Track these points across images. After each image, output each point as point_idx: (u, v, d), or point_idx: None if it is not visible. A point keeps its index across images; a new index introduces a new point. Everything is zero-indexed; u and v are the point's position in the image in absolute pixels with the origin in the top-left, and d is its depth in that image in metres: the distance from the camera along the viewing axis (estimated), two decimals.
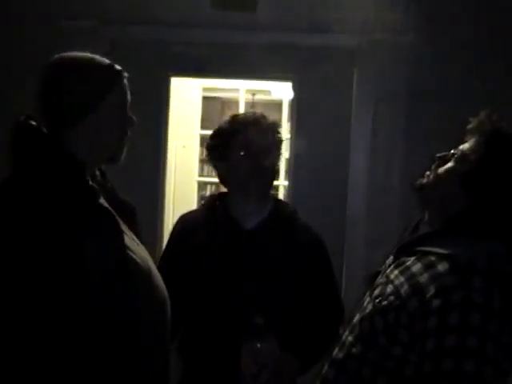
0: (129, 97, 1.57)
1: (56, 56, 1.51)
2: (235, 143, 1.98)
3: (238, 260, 1.95)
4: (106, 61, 1.54)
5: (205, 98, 4.67)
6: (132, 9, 2.95)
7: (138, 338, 1.44)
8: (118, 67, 1.54)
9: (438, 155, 1.59)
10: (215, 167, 2.09)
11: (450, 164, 1.55)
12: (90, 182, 1.50)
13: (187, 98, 4.06)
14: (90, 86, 1.47)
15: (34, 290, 1.33)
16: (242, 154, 1.96)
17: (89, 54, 1.53)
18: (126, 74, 1.56)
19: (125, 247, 1.45)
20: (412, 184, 1.61)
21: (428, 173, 1.59)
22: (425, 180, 1.59)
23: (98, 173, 1.62)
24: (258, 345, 1.75)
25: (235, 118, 2.04)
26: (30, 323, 1.33)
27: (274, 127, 2.04)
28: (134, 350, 1.43)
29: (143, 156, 3.09)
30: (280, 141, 2.05)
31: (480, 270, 1.38)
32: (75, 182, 1.43)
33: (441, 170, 1.56)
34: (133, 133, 3.03)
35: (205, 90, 4.62)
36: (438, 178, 1.56)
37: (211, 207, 2.08)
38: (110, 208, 1.48)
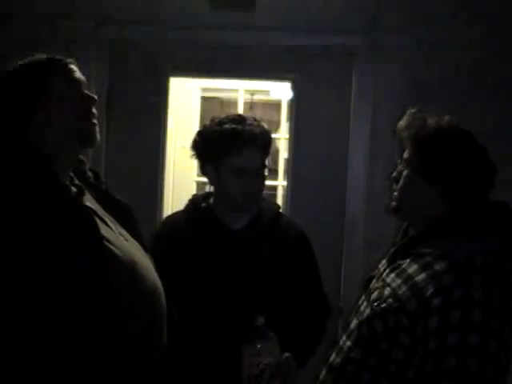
0: (80, 78, 1.58)
1: None
2: (228, 162, 1.94)
3: (229, 261, 1.95)
4: (45, 56, 1.57)
5: (204, 98, 4.66)
6: (131, 9, 2.94)
7: (117, 329, 1.44)
8: (57, 58, 1.57)
9: (393, 175, 1.62)
10: (201, 165, 2.07)
11: (405, 172, 1.57)
12: (75, 180, 1.52)
13: (186, 99, 4.05)
14: (29, 85, 1.52)
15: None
16: (234, 176, 1.94)
17: (29, 58, 1.57)
18: (69, 61, 1.58)
19: (98, 239, 1.46)
20: (387, 210, 1.63)
21: (395, 194, 1.60)
22: (394, 202, 1.60)
23: (90, 174, 1.64)
24: (259, 345, 1.75)
25: (232, 132, 1.93)
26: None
27: (269, 143, 2.00)
28: (113, 338, 1.44)
29: (142, 156, 3.09)
30: (270, 147, 2.02)
31: (477, 268, 1.39)
32: (41, 178, 1.46)
33: (401, 182, 1.58)
34: (132, 133, 3.04)
35: (204, 90, 4.60)
36: (404, 189, 1.57)
37: (197, 209, 2.07)
38: (82, 201, 1.52)
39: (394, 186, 1.61)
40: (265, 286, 1.95)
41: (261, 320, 1.75)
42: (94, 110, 1.58)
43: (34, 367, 1.37)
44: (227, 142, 1.92)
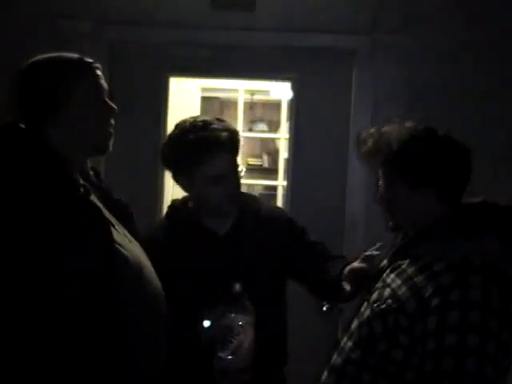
0: (105, 86, 1.58)
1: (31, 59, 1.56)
2: (200, 172, 1.88)
3: (222, 267, 1.91)
4: (74, 56, 1.56)
5: (204, 98, 4.66)
6: (131, 9, 2.95)
7: (124, 331, 1.45)
8: (86, 60, 1.56)
9: (378, 196, 1.61)
10: (173, 176, 1.99)
11: (390, 191, 1.57)
12: (80, 180, 1.52)
13: (186, 98, 4.05)
14: (55, 82, 1.49)
15: (10, 286, 1.35)
16: (209, 184, 1.89)
17: (58, 53, 1.55)
18: (97, 65, 1.57)
19: (111, 241, 1.47)
20: (388, 230, 1.63)
21: (388, 214, 1.61)
22: (391, 222, 1.61)
23: (91, 173, 1.63)
24: (233, 315, 1.71)
25: (198, 142, 1.86)
26: (9, 318, 1.35)
27: (237, 143, 1.95)
28: (119, 342, 1.44)
29: (142, 156, 3.09)
30: (239, 146, 1.97)
31: (476, 268, 1.39)
32: (58, 178, 1.46)
33: (390, 200, 1.57)
34: (132, 133, 3.03)
35: (203, 90, 4.60)
36: (397, 206, 1.57)
37: (180, 216, 2.02)
38: (94, 202, 1.50)
39: (384, 206, 1.61)
40: (262, 283, 1.93)
41: (237, 287, 1.72)
42: (113, 121, 1.58)
43: (38, 366, 1.37)
44: (195, 153, 1.87)
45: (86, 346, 1.40)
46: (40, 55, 1.55)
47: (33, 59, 1.54)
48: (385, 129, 1.58)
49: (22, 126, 1.51)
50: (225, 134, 1.89)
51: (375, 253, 1.63)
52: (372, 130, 1.60)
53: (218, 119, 1.95)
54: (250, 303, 1.74)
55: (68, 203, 1.43)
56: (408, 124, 1.57)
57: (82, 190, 1.51)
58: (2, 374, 1.36)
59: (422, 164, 1.51)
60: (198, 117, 1.96)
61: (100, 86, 1.56)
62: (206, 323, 1.75)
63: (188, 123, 1.93)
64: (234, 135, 1.93)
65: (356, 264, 1.75)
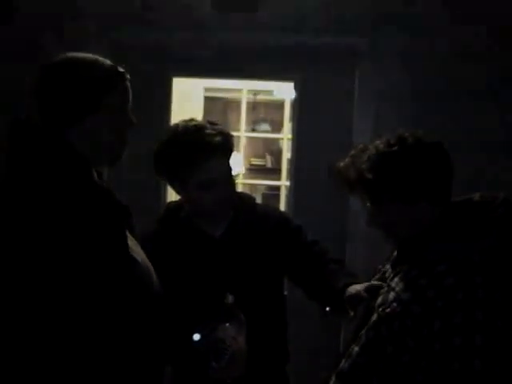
0: (130, 98, 1.57)
1: (59, 56, 1.52)
2: (194, 178, 1.85)
3: (219, 269, 1.91)
4: (109, 62, 1.54)
5: (207, 98, 4.67)
6: (133, 9, 2.96)
7: (129, 332, 1.45)
8: (120, 69, 1.55)
9: (370, 222, 1.61)
10: (167, 181, 1.98)
11: (384, 214, 1.57)
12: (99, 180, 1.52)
13: (189, 99, 4.06)
14: (90, 86, 1.47)
15: (36, 288, 1.34)
16: (203, 190, 1.86)
17: (92, 55, 1.54)
18: (128, 76, 1.57)
19: (126, 244, 1.47)
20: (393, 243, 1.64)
21: (389, 236, 1.62)
22: (389, 238, 1.61)
23: (94, 173, 1.63)
24: (227, 324, 1.71)
25: (190, 148, 1.83)
26: (31, 316, 1.34)
27: (231, 147, 1.91)
28: (124, 343, 1.44)
29: (145, 157, 3.09)
30: (232, 150, 1.94)
31: (478, 267, 1.39)
32: (82, 179, 1.45)
33: (390, 221, 1.58)
34: (135, 134, 3.02)
35: (207, 90, 4.61)
36: (398, 225, 1.57)
37: (175, 220, 2.00)
38: (118, 204, 1.50)
39: (380, 227, 1.61)
40: (262, 284, 1.93)
41: (230, 298, 1.71)
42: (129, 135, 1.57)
43: (40, 362, 1.36)
44: (188, 158, 1.84)
45: (92, 345, 1.40)
46: (69, 53, 1.52)
47: (63, 57, 1.51)
48: (354, 154, 1.58)
49: (37, 123, 1.48)
50: (218, 138, 1.85)
51: (384, 285, 1.59)
52: (344, 161, 1.60)
53: (210, 122, 1.92)
54: (242, 314, 1.73)
55: (91, 207, 1.42)
56: (376, 143, 1.56)
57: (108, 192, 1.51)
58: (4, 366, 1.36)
59: (404, 179, 1.50)
60: (189, 120, 1.92)
61: (128, 98, 1.56)
62: (196, 337, 1.74)
63: (180, 127, 1.90)
64: (227, 139, 1.89)
65: (361, 291, 1.69)
